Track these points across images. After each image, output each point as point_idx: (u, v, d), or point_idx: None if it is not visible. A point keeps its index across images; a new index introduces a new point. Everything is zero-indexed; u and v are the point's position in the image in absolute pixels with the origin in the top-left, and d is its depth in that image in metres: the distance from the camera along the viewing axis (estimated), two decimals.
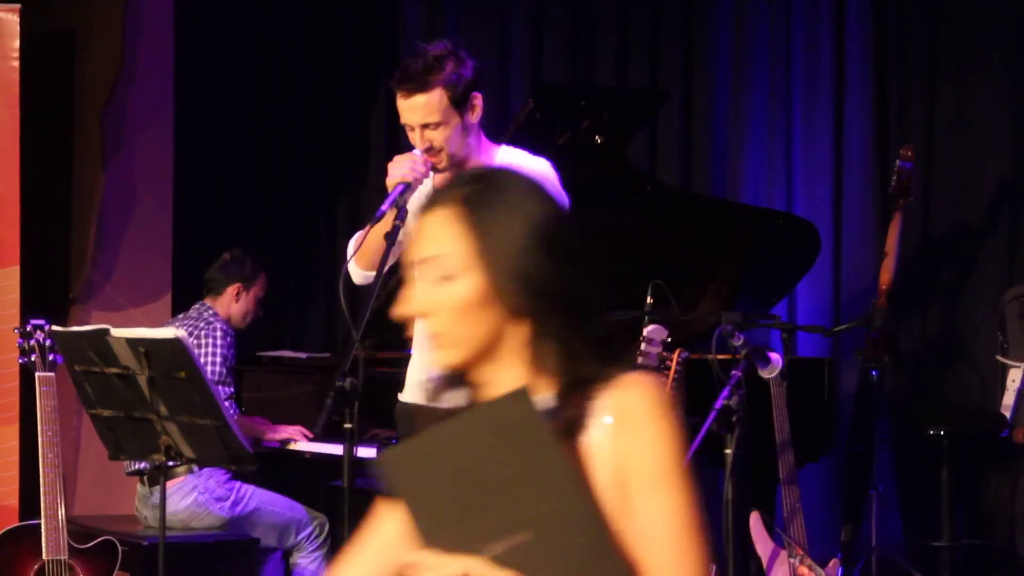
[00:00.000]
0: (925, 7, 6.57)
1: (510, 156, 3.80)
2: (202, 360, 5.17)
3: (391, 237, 3.65)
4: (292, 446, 5.21)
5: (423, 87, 3.66)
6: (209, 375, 4.76)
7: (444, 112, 3.69)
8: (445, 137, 3.70)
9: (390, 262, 3.67)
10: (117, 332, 3.95)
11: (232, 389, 5.25)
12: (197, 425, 3.94)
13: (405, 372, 5.13)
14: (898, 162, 6.05)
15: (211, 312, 5.40)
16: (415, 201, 3.57)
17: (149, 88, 6.33)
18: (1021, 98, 6.36)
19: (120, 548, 4.74)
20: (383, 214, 3.59)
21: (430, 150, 3.70)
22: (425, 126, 3.68)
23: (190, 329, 5.28)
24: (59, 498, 4.37)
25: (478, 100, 3.75)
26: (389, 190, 3.57)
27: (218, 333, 5.25)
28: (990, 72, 6.41)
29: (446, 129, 3.69)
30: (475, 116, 3.75)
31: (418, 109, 3.67)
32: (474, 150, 3.81)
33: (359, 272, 3.80)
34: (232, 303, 5.47)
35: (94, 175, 6.19)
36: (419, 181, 3.64)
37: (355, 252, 3.67)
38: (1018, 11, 6.36)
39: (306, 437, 5.21)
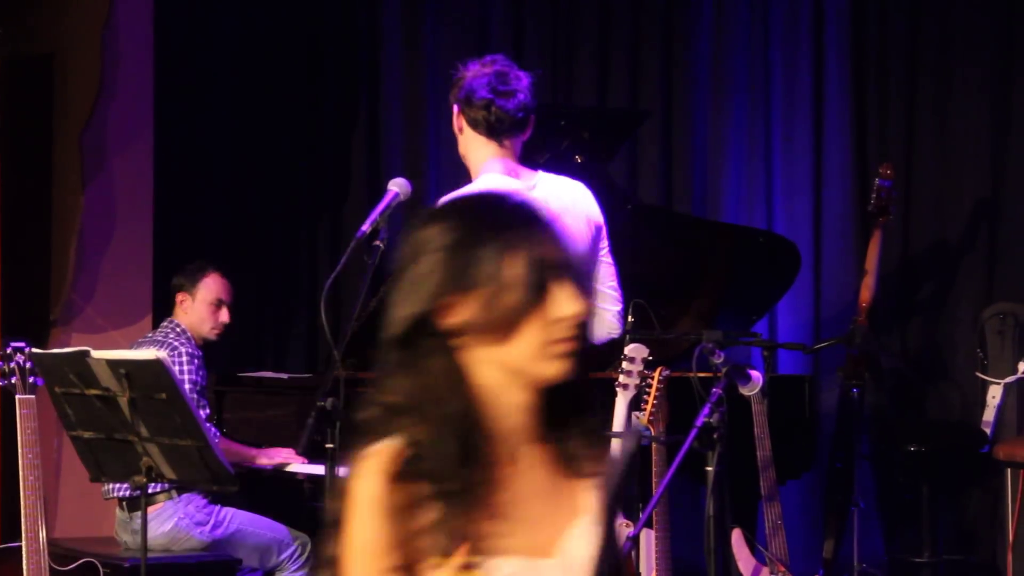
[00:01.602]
0: (903, 26, 6.61)
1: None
2: None
3: (372, 256, 3.67)
4: (287, 468, 5.18)
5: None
6: None
7: (457, 123, 4.05)
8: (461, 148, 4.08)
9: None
10: (97, 354, 3.95)
11: (208, 411, 5.23)
12: (178, 446, 3.93)
13: None
14: (877, 180, 6.08)
15: (177, 331, 5.35)
16: None
17: (128, 110, 6.32)
18: (999, 116, 6.40)
19: (101, 570, 4.73)
20: (371, 227, 3.67)
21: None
22: None
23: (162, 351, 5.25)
24: (40, 520, 4.35)
25: (455, 115, 4.01)
26: None
27: (184, 358, 5.20)
28: (968, 90, 6.45)
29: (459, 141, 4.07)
30: (455, 126, 4.03)
31: None
32: (469, 163, 4.04)
33: None
34: (184, 314, 5.45)
35: (74, 197, 6.18)
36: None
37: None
38: (996, 30, 6.40)
39: (298, 459, 5.18)
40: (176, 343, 5.25)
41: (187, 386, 5.09)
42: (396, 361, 1.90)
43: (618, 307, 4.01)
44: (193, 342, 5.32)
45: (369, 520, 1.82)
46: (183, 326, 5.38)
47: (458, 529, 1.81)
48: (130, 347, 5.33)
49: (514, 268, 1.85)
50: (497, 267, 1.85)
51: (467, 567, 1.79)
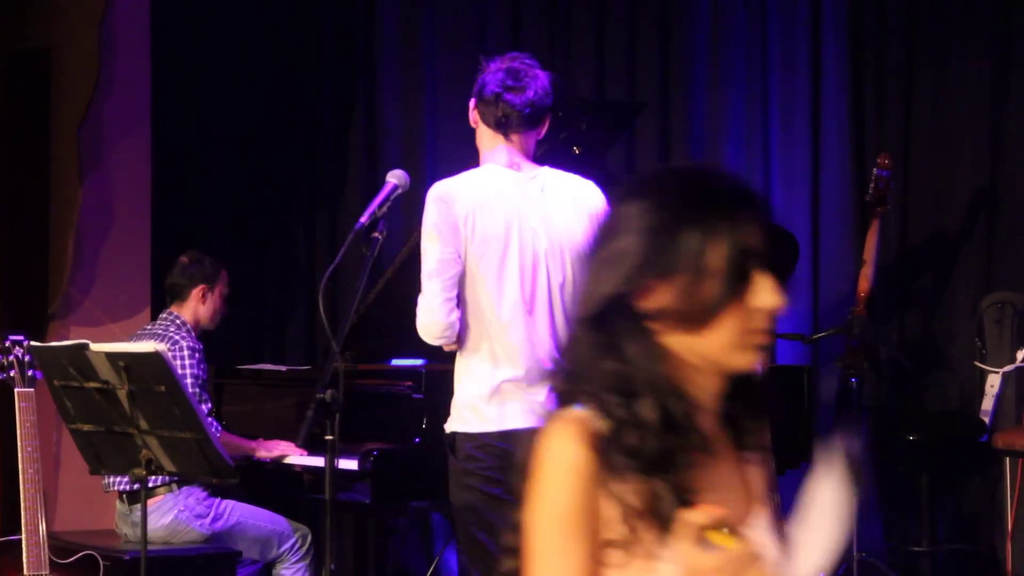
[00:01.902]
0: (901, 16, 6.60)
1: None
2: None
3: (370, 248, 3.68)
4: (285, 460, 5.19)
5: None
6: None
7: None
8: None
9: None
10: (96, 347, 3.95)
11: (210, 405, 5.23)
12: (178, 439, 3.93)
13: (386, 384, 5.15)
14: (875, 170, 6.08)
15: (177, 324, 5.32)
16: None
17: (125, 104, 6.32)
18: (997, 105, 6.39)
19: (101, 563, 4.73)
20: (369, 219, 3.69)
21: None
22: None
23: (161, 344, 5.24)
24: (40, 513, 4.36)
25: (471, 103, 4.15)
26: None
27: (185, 352, 5.18)
28: (966, 79, 6.45)
29: None
30: (471, 119, 4.16)
31: None
32: (480, 153, 4.11)
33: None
34: (199, 305, 5.42)
35: (71, 191, 6.17)
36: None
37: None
38: (993, 19, 6.40)
39: (297, 451, 5.18)
40: (177, 336, 5.23)
41: (188, 380, 5.08)
42: (589, 339, 1.85)
43: None
44: (193, 335, 5.30)
45: (566, 487, 1.76)
46: (183, 319, 5.36)
47: (660, 503, 1.76)
48: (129, 340, 5.32)
49: (716, 256, 1.80)
50: (699, 253, 1.80)
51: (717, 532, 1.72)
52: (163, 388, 3.87)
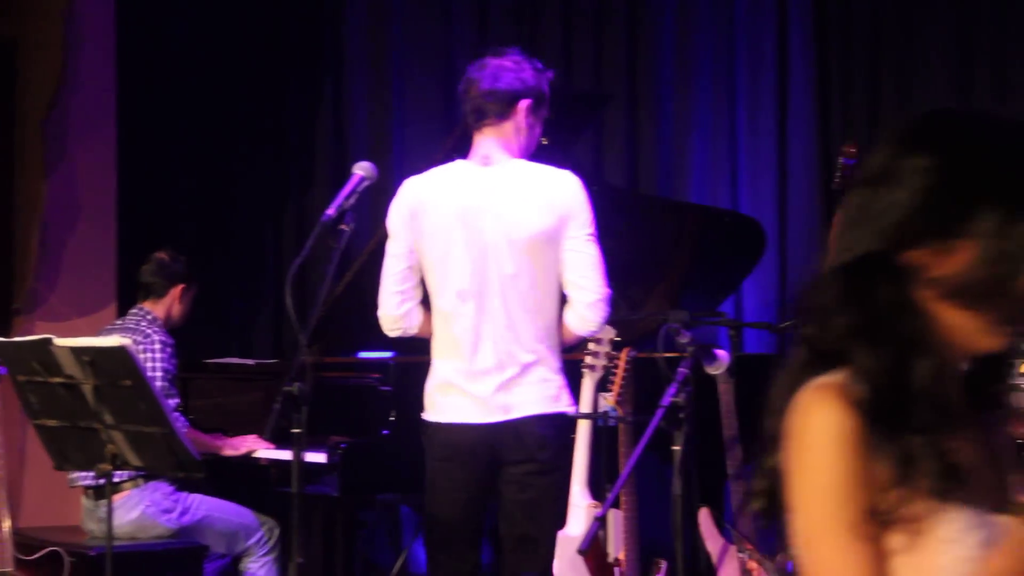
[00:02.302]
0: (866, 4, 6.62)
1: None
2: None
3: (338, 241, 3.68)
4: (256, 454, 5.17)
5: None
6: None
7: None
8: None
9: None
10: (61, 341, 3.93)
11: (177, 400, 5.21)
12: (143, 433, 3.92)
13: (354, 377, 5.13)
14: (841, 159, 6.08)
15: (148, 319, 5.31)
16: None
17: (91, 97, 6.29)
18: (962, 94, 6.41)
19: (67, 559, 4.70)
20: (336, 211, 3.67)
21: None
22: None
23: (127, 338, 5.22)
24: (4, 510, 4.33)
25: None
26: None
27: (157, 346, 5.17)
28: (931, 68, 6.47)
29: None
30: None
31: None
32: None
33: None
34: (175, 303, 5.41)
35: (36, 185, 6.14)
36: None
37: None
38: (958, 8, 6.42)
39: (264, 444, 5.16)
40: (149, 331, 5.22)
41: (159, 373, 5.09)
42: (840, 292, 1.70)
43: (591, 297, 3.95)
44: (165, 331, 5.30)
45: (834, 458, 1.63)
46: (155, 314, 5.35)
47: (928, 468, 1.62)
48: (98, 335, 5.29)
49: (1015, 235, 1.62)
50: (994, 228, 1.61)
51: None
52: (129, 383, 3.86)
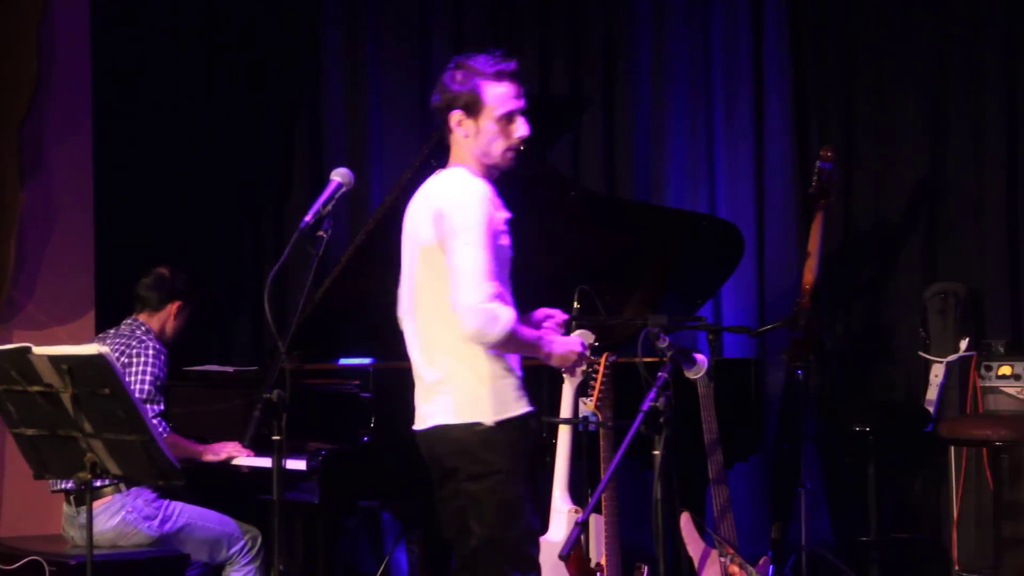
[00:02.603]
0: (841, 9, 6.65)
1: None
2: (132, 377, 5.11)
3: (316, 247, 3.67)
4: (234, 461, 5.16)
5: None
6: (137, 393, 4.72)
7: None
8: None
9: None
10: (39, 350, 3.91)
11: (161, 407, 5.20)
12: (123, 441, 3.90)
13: (334, 384, 5.13)
14: (818, 163, 6.12)
15: (143, 329, 5.33)
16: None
17: (67, 104, 6.26)
18: (938, 97, 6.45)
19: (47, 568, 4.68)
20: (314, 218, 3.65)
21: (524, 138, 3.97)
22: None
23: (121, 347, 5.22)
24: None
25: None
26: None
27: (150, 352, 5.19)
28: (907, 72, 6.50)
29: None
30: None
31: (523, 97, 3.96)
32: None
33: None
34: (170, 319, 5.42)
35: (12, 192, 6.11)
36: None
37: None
38: (932, 12, 6.45)
39: (244, 451, 5.16)
40: (145, 338, 5.26)
41: (148, 377, 5.11)
42: None
43: (456, 308, 3.74)
44: (159, 341, 5.32)
45: None
46: (148, 326, 5.36)
47: None
48: (91, 343, 5.28)
49: None
50: None
51: None
52: (107, 391, 3.84)
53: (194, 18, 6.77)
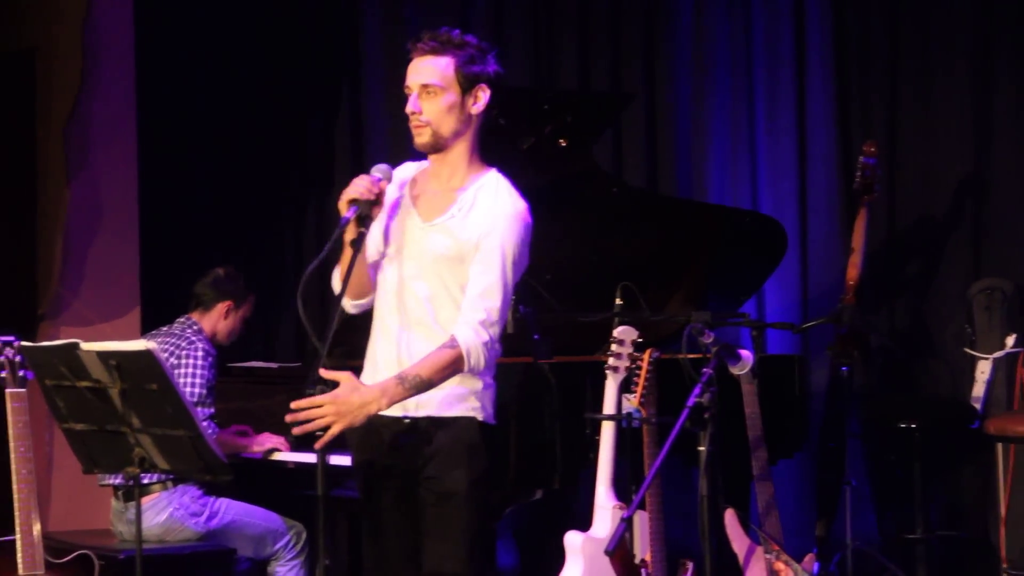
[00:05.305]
0: (885, 3, 6.61)
1: (495, 183, 3.79)
2: (182, 380, 5.14)
3: (356, 244, 3.67)
4: (275, 456, 5.19)
5: (436, 51, 3.72)
6: (188, 396, 4.76)
7: (445, 80, 3.71)
8: (436, 109, 3.71)
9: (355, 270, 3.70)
10: (87, 346, 3.94)
11: (212, 410, 5.23)
12: (170, 436, 3.93)
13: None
14: (861, 158, 6.09)
15: (194, 329, 5.36)
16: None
17: (111, 103, 6.31)
18: (981, 92, 6.40)
19: (96, 562, 4.72)
20: (340, 232, 3.62)
21: (414, 114, 3.73)
22: (425, 87, 3.71)
23: (171, 347, 5.25)
24: (33, 513, 4.35)
25: (484, 93, 3.73)
26: (341, 211, 3.59)
27: (199, 353, 5.22)
28: (950, 66, 6.46)
29: (439, 100, 3.71)
30: (474, 106, 3.74)
31: (423, 70, 3.72)
32: (458, 142, 3.79)
33: (351, 304, 3.83)
34: (220, 320, 5.44)
35: (59, 191, 6.17)
36: (370, 201, 3.64)
37: (343, 290, 3.67)
38: (976, 6, 6.41)
39: (288, 446, 5.19)
40: (194, 338, 5.28)
41: (199, 380, 5.13)
42: None
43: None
44: (209, 342, 5.34)
45: None
46: (200, 326, 5.38)
47: None
48: (142, 339, 5.32)
49: None
50: None
51: None
52: (155, 386, 3.87)
53: (237, 16, 6.80)
